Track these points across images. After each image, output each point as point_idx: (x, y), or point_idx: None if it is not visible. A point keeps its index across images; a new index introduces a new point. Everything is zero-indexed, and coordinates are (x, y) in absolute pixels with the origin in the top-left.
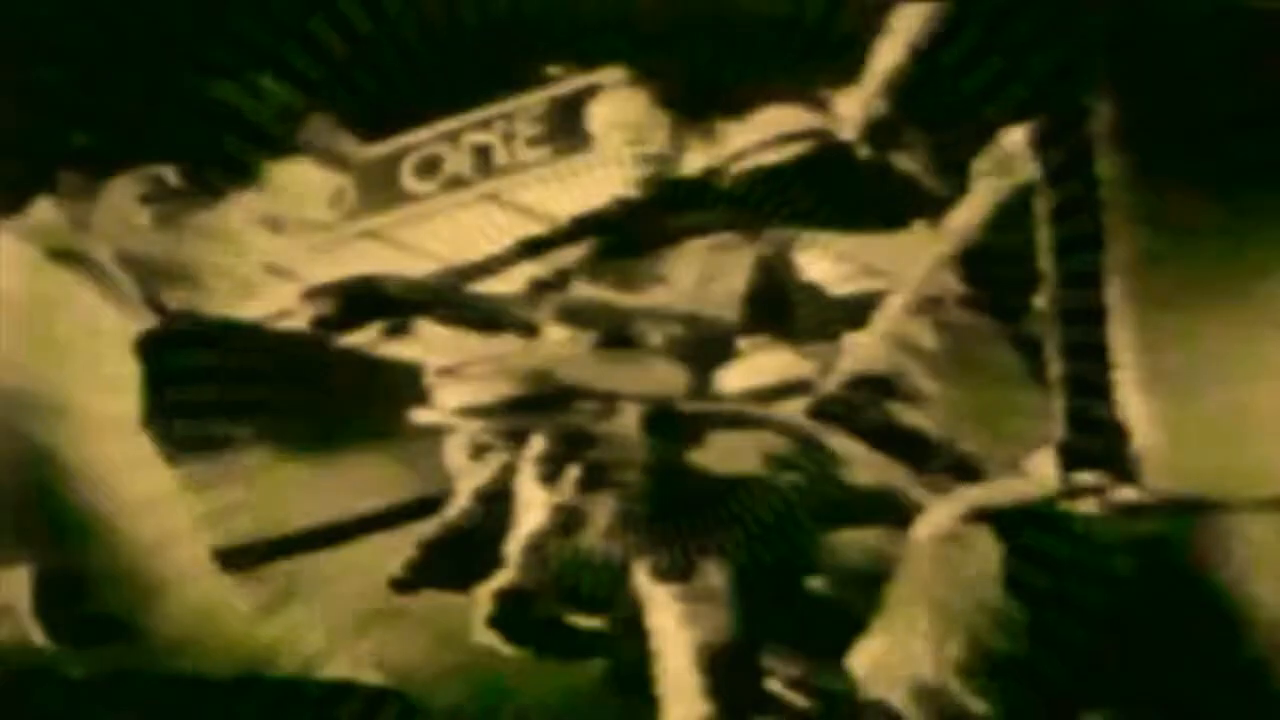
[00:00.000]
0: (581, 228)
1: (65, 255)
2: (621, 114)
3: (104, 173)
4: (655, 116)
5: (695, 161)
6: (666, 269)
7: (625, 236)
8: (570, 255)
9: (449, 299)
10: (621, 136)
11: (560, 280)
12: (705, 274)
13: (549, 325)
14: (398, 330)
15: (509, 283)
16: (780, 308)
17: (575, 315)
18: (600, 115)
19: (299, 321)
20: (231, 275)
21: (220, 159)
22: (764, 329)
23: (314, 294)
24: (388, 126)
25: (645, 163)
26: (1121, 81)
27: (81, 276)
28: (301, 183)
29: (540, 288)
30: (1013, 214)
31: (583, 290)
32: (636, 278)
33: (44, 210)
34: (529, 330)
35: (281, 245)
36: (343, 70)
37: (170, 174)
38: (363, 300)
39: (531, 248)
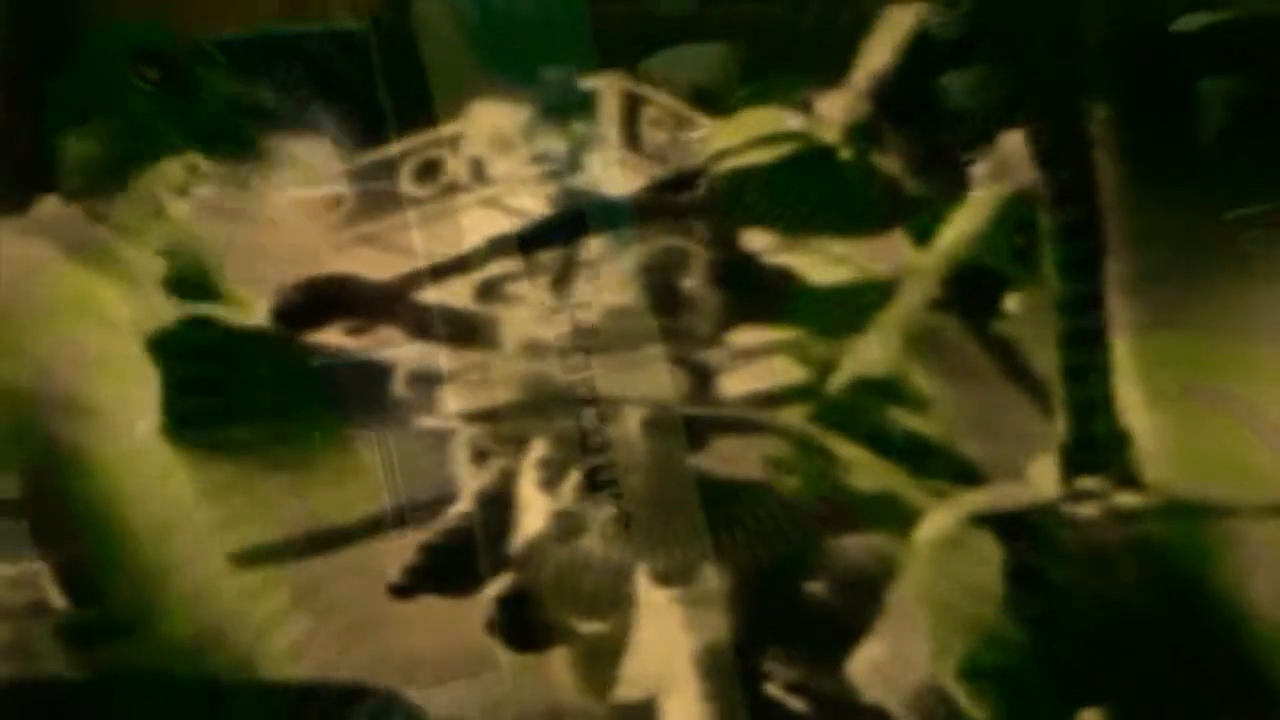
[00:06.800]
0: (555, 225)
1: (83, 253)
2: (504, 130)
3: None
4: (540, 126)
5: (600, 163)
6: (607, 278)
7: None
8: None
9: (412, 306)
10: (512, 154)
11: (506, 280)
12: (652, 280)
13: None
14: (360, 332)
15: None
16: (753, 294)
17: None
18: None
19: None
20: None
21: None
22: (743, 319)
23: (280, 290)
24: (387, 130)
25: (550, 176)
26: (1121, 87)
27: (100, 274)
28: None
29: (487, 289)
30: (1004, 219)
31: (529, 294)
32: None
33: (52, 207)
34: (491, 342)
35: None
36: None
37: (201, 161)
38: (327, 299)
39: (500, 245)
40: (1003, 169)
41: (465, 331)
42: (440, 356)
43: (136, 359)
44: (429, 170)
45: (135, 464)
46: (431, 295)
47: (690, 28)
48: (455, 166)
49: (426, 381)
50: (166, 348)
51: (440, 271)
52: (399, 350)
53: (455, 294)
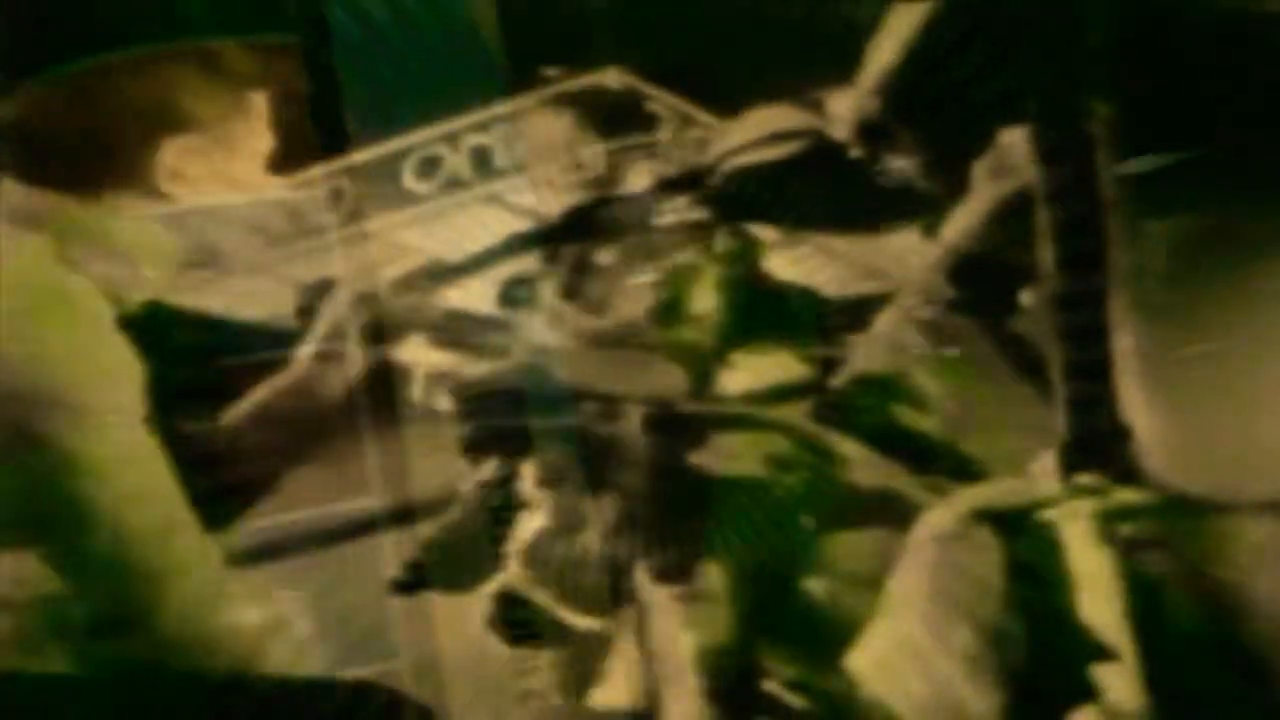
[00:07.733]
0: (567, 226)
1: (53, 235)
2: (549, 137)
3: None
4: (584, 137)
5: (638, 178)
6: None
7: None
8: (549, 261)
9: (429, 315)
10: (553, 161)
11: (528, 294)
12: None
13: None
14: (375, 330)
15: (487, 285)
16: (762, 315)
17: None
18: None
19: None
20: None
21: None
22: (751, 333)
23: (300, 290)
24: (388, 127)
25: (581, 186)
26: (1123, 86)
27: (73, 261)
28: None
29: (507, 301)
30: (1008, 216)
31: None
32: (598, 295)
33: (12, 191)
34: (501, 340)
35: None
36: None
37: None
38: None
39: (517, 244)
40: (1003, 166)
41: (474, 330)
42: (446, 355)
43: (118, 350)
44: (436, 168)
45: (129, 464)
46: (443, 294)
47: (700, 29)
48: (465, 166)
49: (431, 379)
50: (147, 327)
51: (453, 271)
52: (406, 348)
53: (466, 293)
